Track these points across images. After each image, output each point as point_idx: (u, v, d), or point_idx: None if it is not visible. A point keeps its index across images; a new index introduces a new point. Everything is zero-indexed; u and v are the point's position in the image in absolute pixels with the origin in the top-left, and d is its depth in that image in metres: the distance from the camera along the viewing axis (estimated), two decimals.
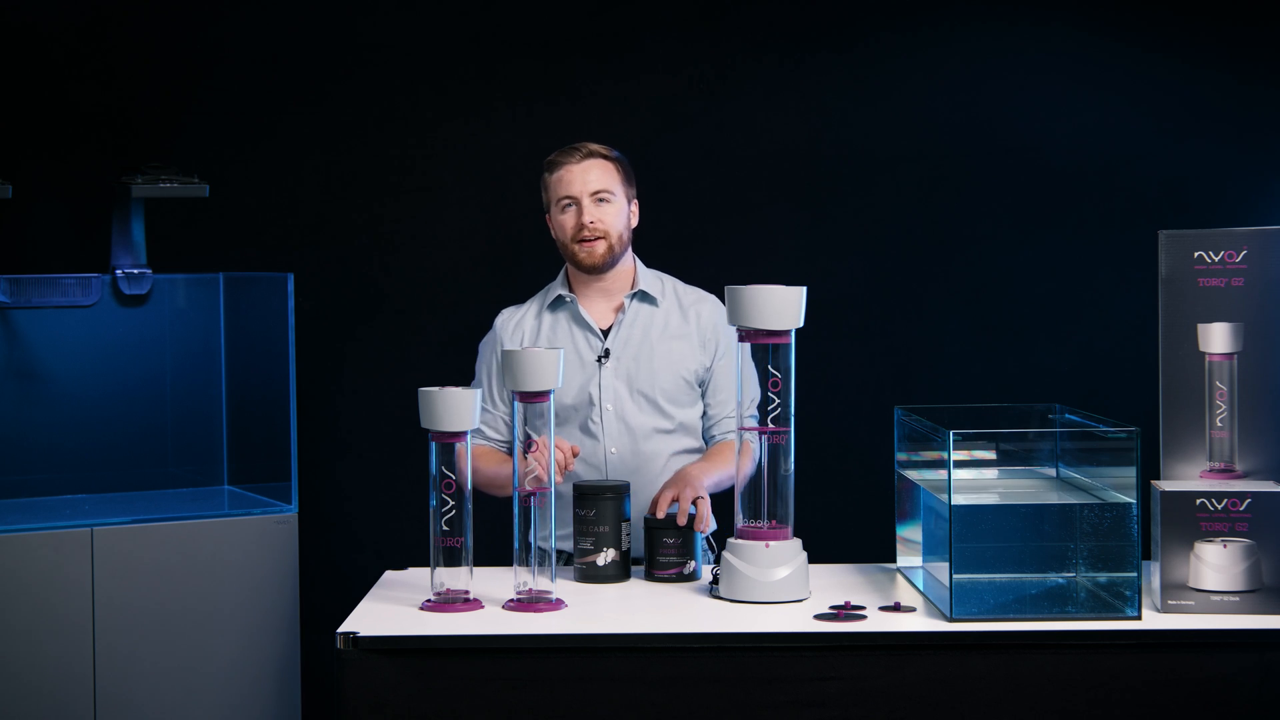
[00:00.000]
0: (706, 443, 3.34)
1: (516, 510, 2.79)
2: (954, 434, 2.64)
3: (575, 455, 3.03)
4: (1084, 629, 2.59)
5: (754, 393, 3.26)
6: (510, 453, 3.26)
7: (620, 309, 3.29)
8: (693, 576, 2.95)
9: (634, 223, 3.32)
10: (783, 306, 2.77)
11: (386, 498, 4.51)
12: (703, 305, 3.31)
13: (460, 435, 2.74)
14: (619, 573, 2.97)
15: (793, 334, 2.81)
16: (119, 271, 4.15)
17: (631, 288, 3.30)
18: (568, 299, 3.30)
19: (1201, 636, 2.60)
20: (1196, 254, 2.80)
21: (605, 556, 2.96)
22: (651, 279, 3.33)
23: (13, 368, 4.17)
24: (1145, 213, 4.43)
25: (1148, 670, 2.56)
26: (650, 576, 2.96)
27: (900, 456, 3.04)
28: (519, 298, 4.61)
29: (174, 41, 4.45)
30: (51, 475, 4.20)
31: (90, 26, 4.41)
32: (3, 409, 4.15)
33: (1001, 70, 4.55)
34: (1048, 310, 4.55)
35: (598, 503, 2.97)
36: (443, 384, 2.75)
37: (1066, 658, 2.57)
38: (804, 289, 2.81)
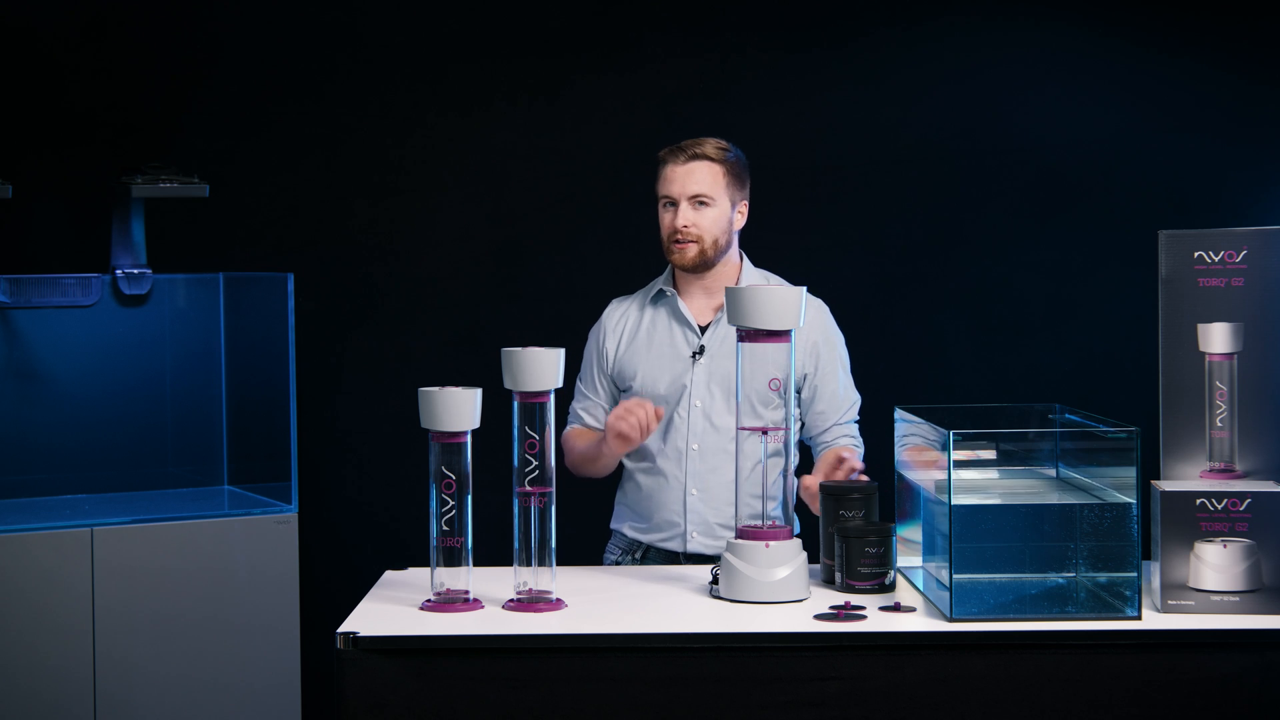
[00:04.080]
0: (813, 449, 3.34)
1: (516, 510, 2.79)
2: (954, 434, 2.64)
3: (658, 418, 3.12)
4: (1084, 629, 2.59)
5: (855, 398, 3.27)
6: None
7: (721, 307, 3.29)
8: (892, 587, 2.86)
9: (740, 224, 3.30)
10: (783, 306, 2.77)
11: (386, 498, 4.51)
12: (806, 309, 3.29)
13: (461, 435, 2.73)
14: None
15: (793, 334, 2.81)
16: (119, 271, 4.15)
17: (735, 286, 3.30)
18: (669, 294, 3.32)
19: (1201, 636, 2.59)
20: (1196, 254, 2.80)
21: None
22: (756, 278, 3.32)
23: (13, 368, 4.17)
24: (1145, 213, 4.44)
25: (1148, 670, 2.56)
26: (848, 588, 2.85)
27: (900, 456, 3.04)
28: (518, 297, 4.63)
29: (174, 41, 4.45)
30: (51, 475, 4.20)
31: (90, 26, 4.41)
32: (3, 409, 4.15)
33: (1001, 70, 4.56)
34: (1048, 310, 4.55)
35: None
36: (443, 384, 2.75)
37: (1066, 658, 2.57)
38: (804, 289, 2.81)
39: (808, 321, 3.28)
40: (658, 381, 3.27)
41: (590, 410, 3.39)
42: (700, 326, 3.29)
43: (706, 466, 3.23)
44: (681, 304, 3.30)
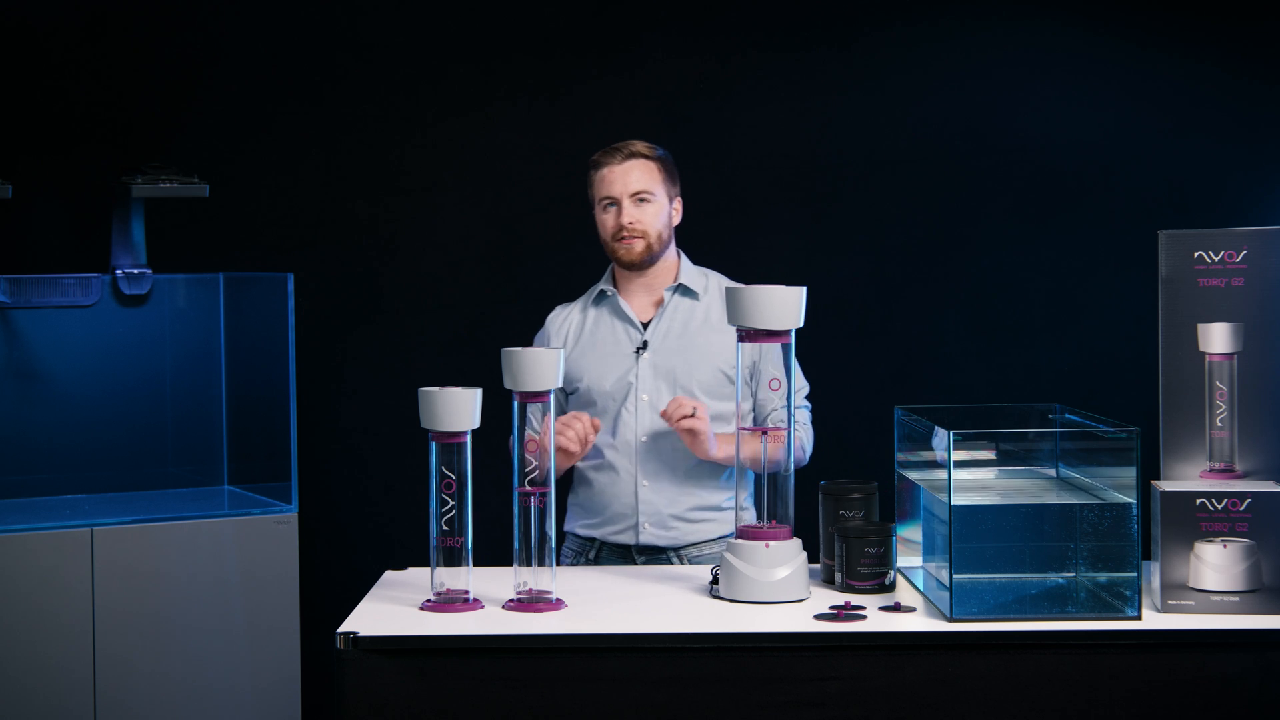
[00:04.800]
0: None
1: (516, 509, 2.79)
2: (954, 434, 2.64)
3: (596, 429, 3.17)
4: (1084, 629, 2.59)
5: (800, 383, 3.31)
6: None
7: (661, 302, 3.33)
8: (892, 587, 2.86)
9: (676, 220, 3.38)
10: (783, 306, 2.77)
11: (386, 498, 4.51)
12: None
13: (460, 435, 2.73)
14: None
15: (793, 334, 2.81)
16: (119, 271, 4.15)
17: (674, 282, 3.36)
18: (609, 293, 3.37)
19: (1201, 636, 2.59)
20: (1196, 254, 2.80)
21: None
22: (695, 274, 3.39)
23: (13, 368, 4.17)
24: (1145, 213, 4.44)
25: (1148, 670, 2.56)
26: (848, 588, 2.85)
27: (900, 456, 3.04)
28: (518, 297, 4.63)
29: (174, 41, 4.45)
30: (51, 475, 4.20)
31: (90, 26, 4.41)
32: (3, 409, 4.15)
33: (1001, 70, 4.55)
34: (1048, 310, 4.55)
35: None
36: (443, 384, 2.75)
37: (1066, 658, 2.57)
38: (804, 289, 2.81)
39: None
40: (603, 379, 3.31)
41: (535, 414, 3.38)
42: (642, 323, 3.34)
43: (656, 458, 3.28)
44: (622, 302, 3.36)
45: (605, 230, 3.33)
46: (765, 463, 2.86)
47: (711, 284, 3.38)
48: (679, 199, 3.38)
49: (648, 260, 3.32)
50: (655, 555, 3.28)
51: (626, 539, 3.30)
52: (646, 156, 3.32)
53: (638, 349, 3.32)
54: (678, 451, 3.27)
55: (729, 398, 3.31)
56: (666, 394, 3.28)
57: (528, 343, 3.37)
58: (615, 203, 3.30)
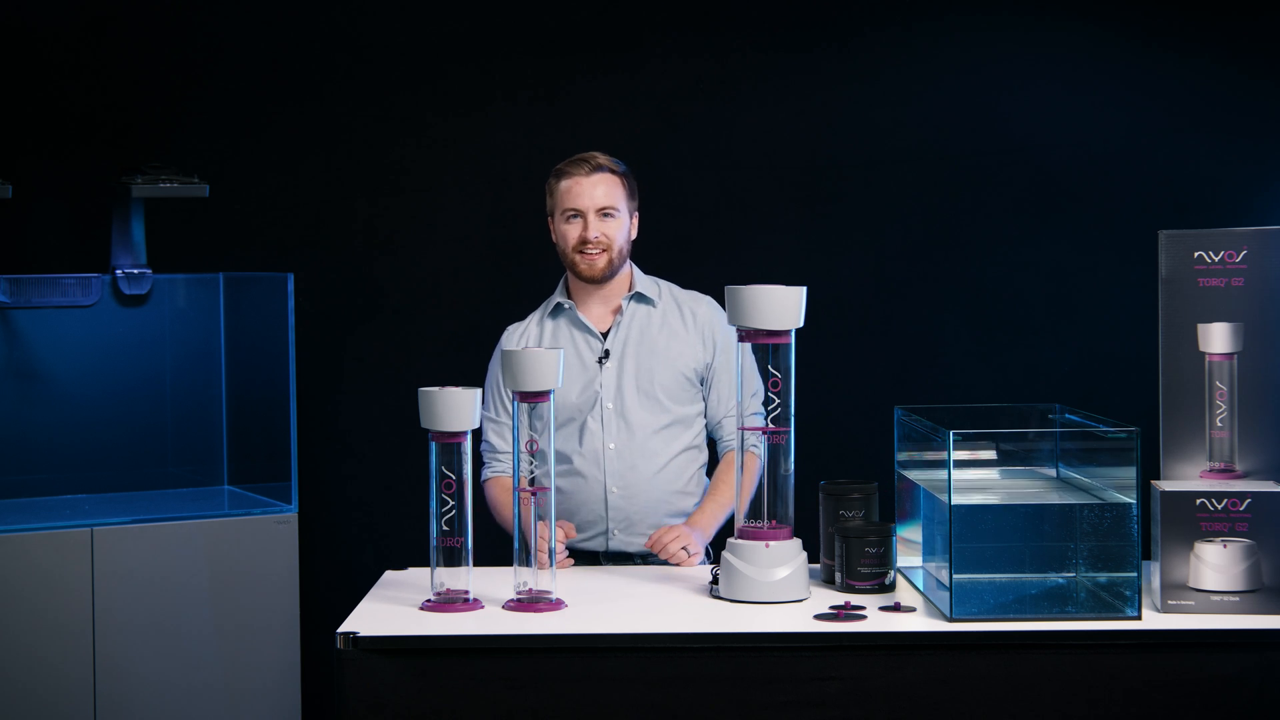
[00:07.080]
0: (714, 442, 3.39)
1: (517, 510, 2.79)
2: (954, 434, 2.64)
3: (569, 536, 3.19)
4: (1084, 629, 2.59)
5: (756, 387, 3.28)
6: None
7: (618, 311, 3.34)
8: (892, 587, 2.86)
9: (633, 235, 3.39)
10: (783, 306, 2.77)
11: (386, 498, 4.51)
12: (698, 304, 3.38)
13: (460, 435, 2.74)
14: None
15: (793, 334, 2.81)
16: (119, 271, 4.15)
17: (629, 291, 3.36)
18: (566, 305, 3.37)
19: (1201, 636, 2.60)
20: (1196, 254, 2.80)
21: None
22: (648, 283, 3.40)
23: (13, 368, 4.17)
24: (1145, 213, 4.43)
25: (1148, 670, 2.56)
26: (848, 588, 2.86)
27: (900, 456, 3.04)
28: (518, 297, 4.62)
29: (174, 41, 4.46)
30: (51, 475, 4.20)
31: (90, 26, 4.41)
32: (3, 409, 4.15)
33: (1002, 69, 4.55)
34: (1048, 310, 4.55)
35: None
36: (443, 384, 2.75)
37: (1066, 658, 2.57)
38: (804, 289, 2.81)
39: (704, 315, 3.35)
40: (569, 391, 3.30)
41: (503, 434, 3.36)
42: (601, 332, 3.35)
43: (625, 465, 3.29)
44: (580, 313, 3.36)
45: (567, 241, 3.32)
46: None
47: (664, 291, 3.40)
48: (637, 214, 3.38)
49: (607, 275, 3.32)
50: (621, 562, 3.29)
51: (596, 545, 3.30)
52: (612, 171, 3.32)
53: (600, 358, 3.32)
54: (646, 459, 3.28)
55: (692, 401, 3.33)
56: (630, 400, 3.29)
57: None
58: (580, 215, 3.30)
